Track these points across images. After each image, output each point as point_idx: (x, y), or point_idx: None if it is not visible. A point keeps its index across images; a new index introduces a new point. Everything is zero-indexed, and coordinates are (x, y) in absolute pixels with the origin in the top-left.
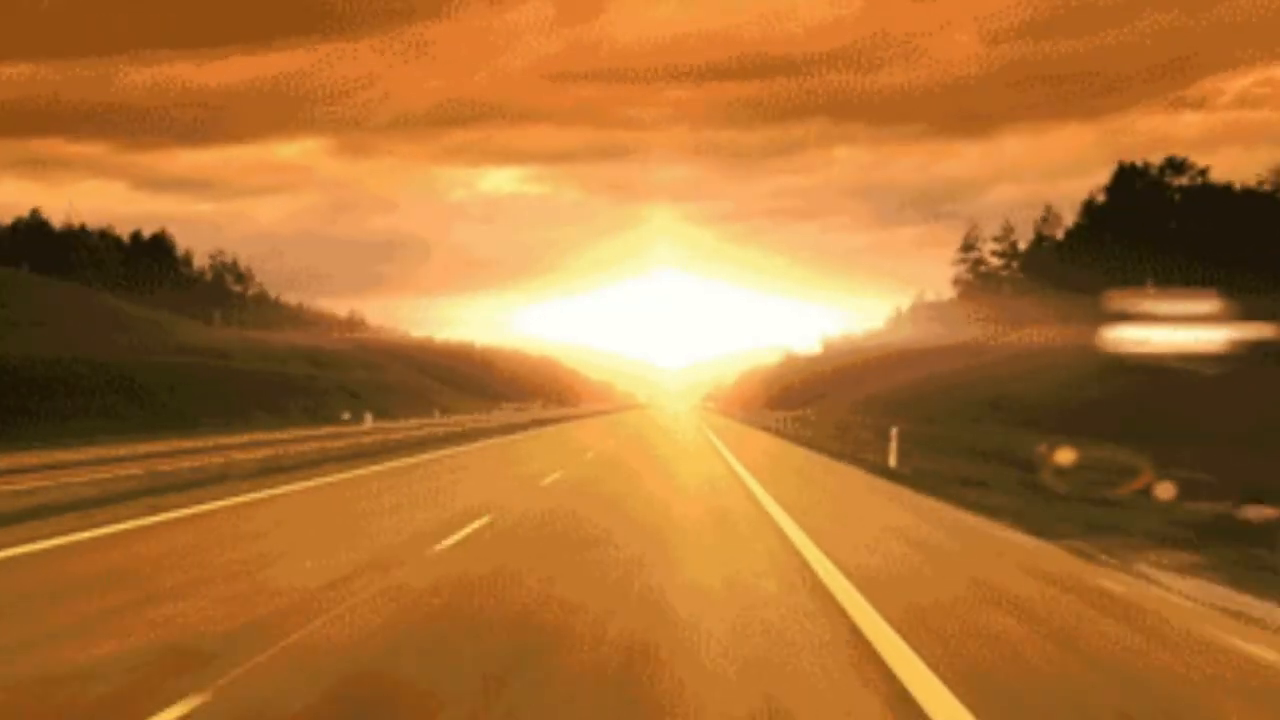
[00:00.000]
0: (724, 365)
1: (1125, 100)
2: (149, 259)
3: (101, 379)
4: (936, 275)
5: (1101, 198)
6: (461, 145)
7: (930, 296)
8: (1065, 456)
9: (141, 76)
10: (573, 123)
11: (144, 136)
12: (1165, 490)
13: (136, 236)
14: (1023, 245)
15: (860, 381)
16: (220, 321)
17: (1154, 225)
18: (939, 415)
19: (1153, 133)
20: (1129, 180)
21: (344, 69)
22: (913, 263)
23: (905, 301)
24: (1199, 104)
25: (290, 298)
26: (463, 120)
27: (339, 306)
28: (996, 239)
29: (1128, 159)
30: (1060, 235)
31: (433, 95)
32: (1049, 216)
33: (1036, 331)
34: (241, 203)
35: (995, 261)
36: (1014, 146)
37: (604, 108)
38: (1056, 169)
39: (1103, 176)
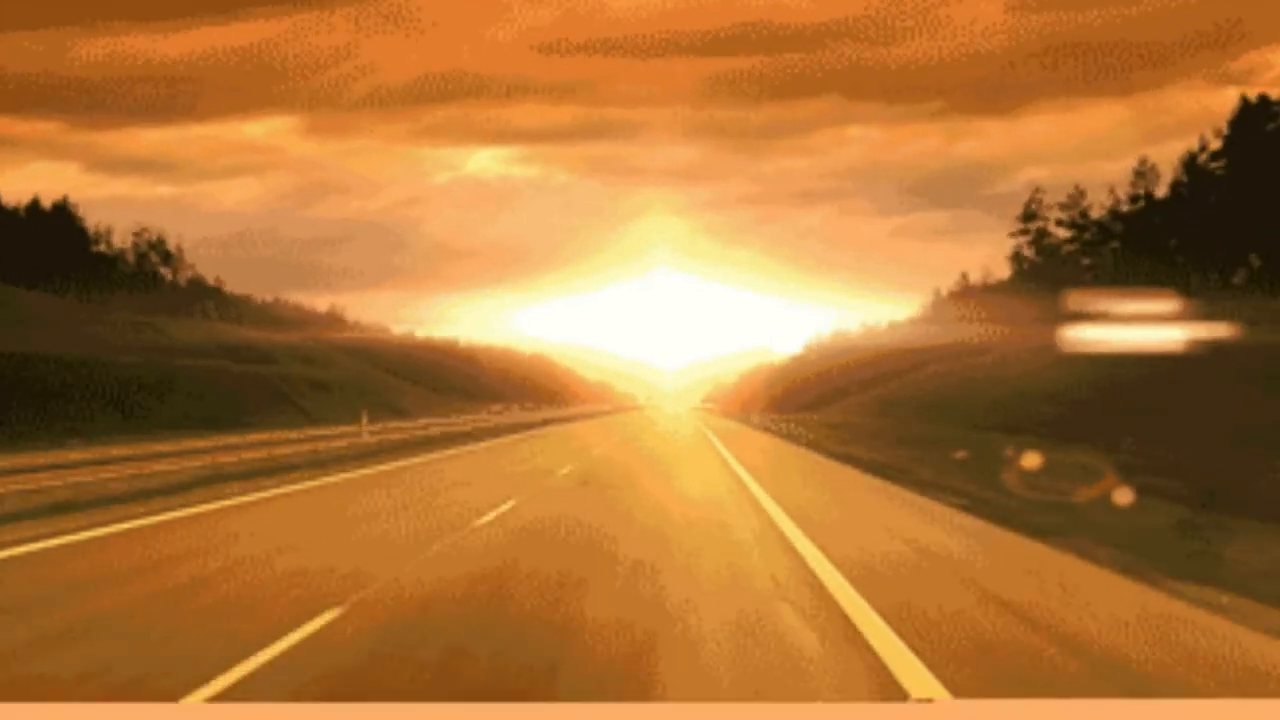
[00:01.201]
0: (723, 365)
1: (1164, 75)
2: (51, 235)
3: None
4: (956, 266)
5: (1215, 144)
6: (444, 123)
7: (974, 278)
8: None
9: (95, 48)
10: (565, 99)
11: (99, 114)
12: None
13: (35, 207)
14: (1095, 213)
15: (881, 380)
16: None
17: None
18: (980, 422)
19: (1195, 110)
20: (1255, 120)
21: (317, 40)
22: (930, 253)
23: (922, 296)
24: (1245, 78)
25: (259, 291)
26: (446, 96)
27: (317, 301)
28: (1064, 207)
29: (1164, 140)
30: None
31: (413, 69)
32: (1145, 172)
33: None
34: (206, 185)
35: (1062, 234)
36: (1041, 125)
37: (598, 82)
38: (1087, 150)
39: (1135, 158)
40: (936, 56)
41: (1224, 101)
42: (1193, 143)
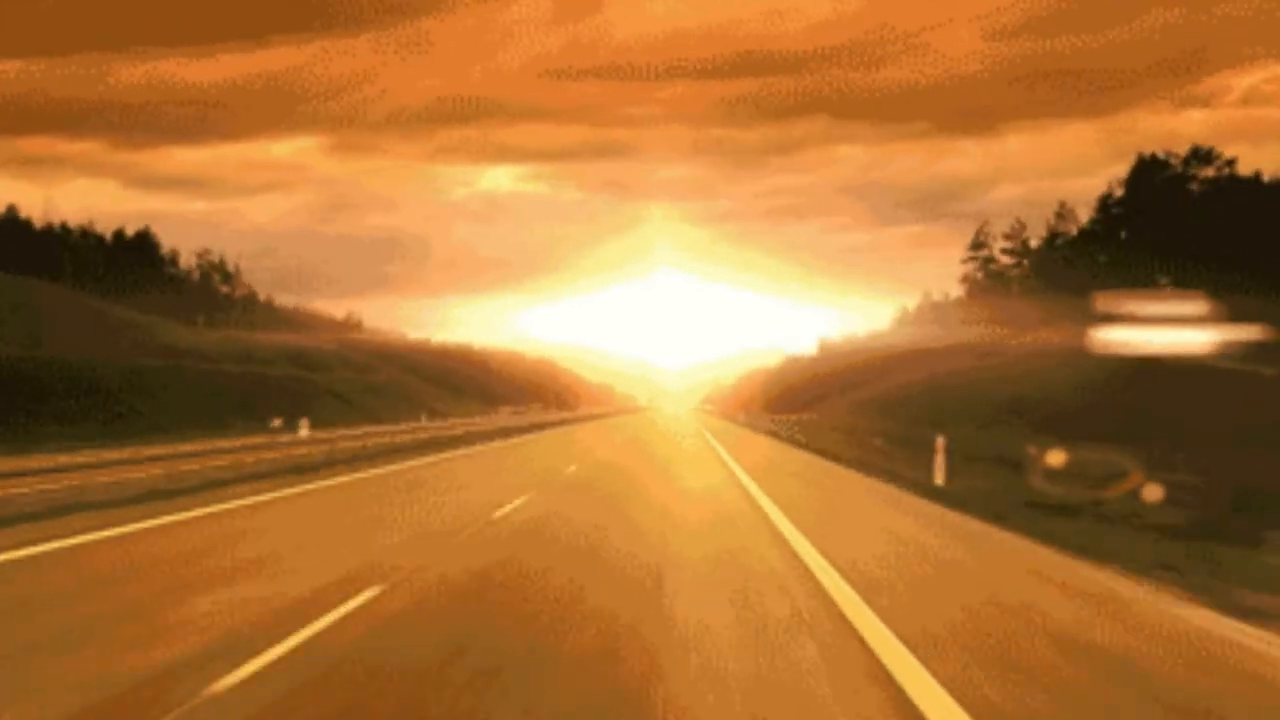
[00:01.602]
0: (723, 366)
1: (1131, 97)
2: (133, 258)
3: (62, 381)
4: (941, 275)
5: (1119, 192)
6: (459, 143)
7: (937, 297)
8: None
9: (134, 73)
10: (571, 121)
11: (136, 134)
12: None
13: (120, 235)
14: (1034, 243)
15: (862, 384)
16: (204, 323)
17: (1174, 221)
18: (946, 420)
19: (1159, 130)
20: (1149, 173)
21: (340, 66)
22: (916, 263)
23: (910, 302)
24: (1206, 101)
25: (286, 299)
26: (460, 118)
27: (336, 308)
28: (1008, 236)
29: (1132, 157)
30: (1073, 232)
31: (430, 92)
32: (1063, 212)
33: (1045, 334)
34: (235, 202)
35: (1006, 260)
36: (1018, 145)
37: (603, 105)
38: (1061, 168)
39: (1106, 175)
40: (920, 81)
41: (1187, 122)
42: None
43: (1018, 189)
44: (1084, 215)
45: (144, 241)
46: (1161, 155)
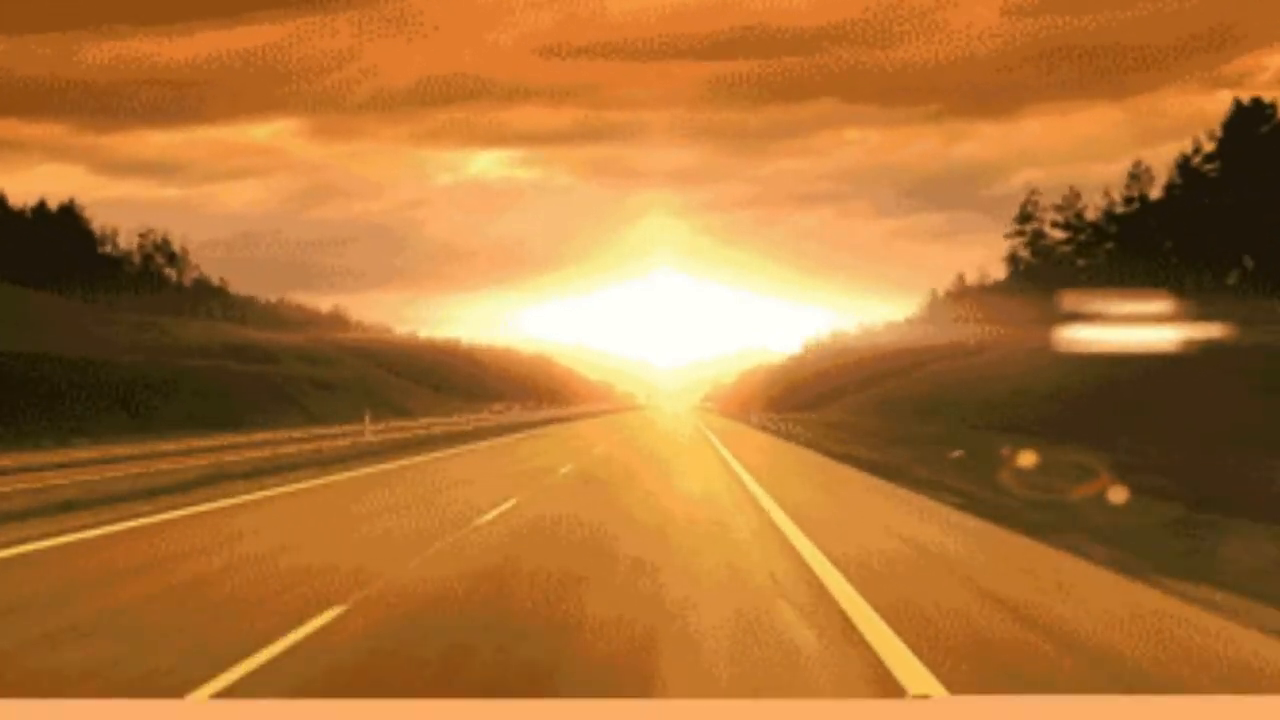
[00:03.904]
0: (723, 365)
1: (1158, 78)
2: (57, 236)
3: None
4: (954, 267)
5: (1209, 146)
6: (447, 126)
7: (954, 285)
8: None
9: (101, 52)
10: (565, 102)
11: (104, 117)
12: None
13: (41, 209)
14: (1091, 215)
15: (872, 381)
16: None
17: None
18: (974, 420)
19: (1188, 113)
20: (1248, 122)
21: (320, 44)
22: (928, 254)
23: (919, 298)
24: (1238, 81)
25: (265, 292)
26: (448, 99)
27: (321, 302)
28: (1058, 208)
29: (1158, 142)
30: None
31: (416, 72)
32: (1140, 174)
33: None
34: (210, 187)
35: (1058, 234)
36: (1037, 128)
37: (599, 85)
38: (1083, 152)
39: (1130, 160)
40: (933, 60)
41: (1217, 104)
42: (1186, 145)
43: (1038, 174)
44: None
45: (69, 217)
46: (1266, 100)
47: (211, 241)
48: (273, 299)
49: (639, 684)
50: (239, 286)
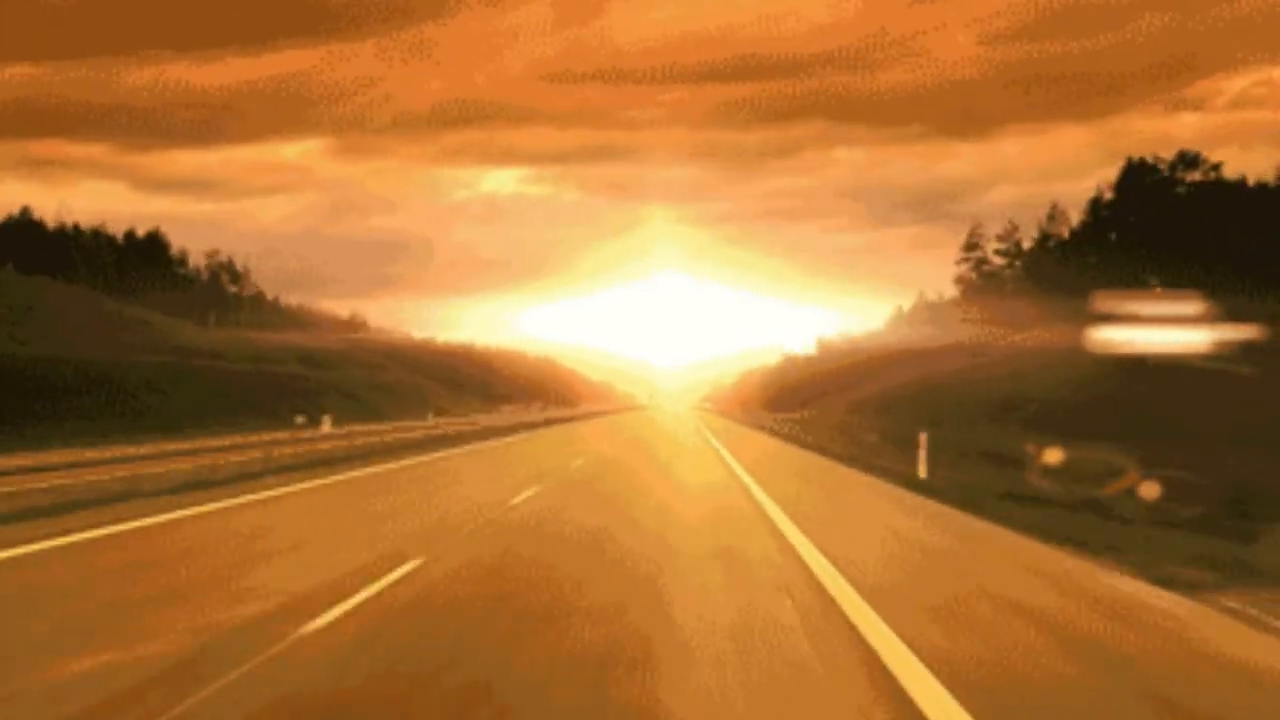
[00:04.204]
0: (722, 366)
1: (1124, 101)
2: (143, 259)
3: (81, 380)
4: (936, 276)
5: (1109, 194)
6: (462, 146)
7: (932, 297)
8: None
9: (142, 77)
10: (572, 124)
11: (144, 137)
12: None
13: (130, 236)
14: (1027, 244)
15: (858, 383)
16: (214, 323)
17: (1162, 223)
18: (940, 418)
19: (1151, 133)
20: (1137, 176)
21: (345, 70)
22: (912, 264)
23: (905, 302)
24: (1198, 105)
25: (291, 299)
26: (463, 121)
27: (341, 308)
28: (1000, 238)
29: (1125, 159)
30: (1065, 234)
31: (433, 96)
32: (1055, 215)
33: (1038, 333)
34: (243, 203)
35: (999, 260)
36: (1012, 147)
37: (603, 109)
38: (1055, 170)
39: (1100, 178)
40: (917, 84)
41: (1179, 125)
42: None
43: (1013, 191)
44: (1075, 217)
45: (154, 242)
46: (1150, 159)
47: (243, 253)
48: (293, 303)
49: (654, 554)
50: (270, 295)
